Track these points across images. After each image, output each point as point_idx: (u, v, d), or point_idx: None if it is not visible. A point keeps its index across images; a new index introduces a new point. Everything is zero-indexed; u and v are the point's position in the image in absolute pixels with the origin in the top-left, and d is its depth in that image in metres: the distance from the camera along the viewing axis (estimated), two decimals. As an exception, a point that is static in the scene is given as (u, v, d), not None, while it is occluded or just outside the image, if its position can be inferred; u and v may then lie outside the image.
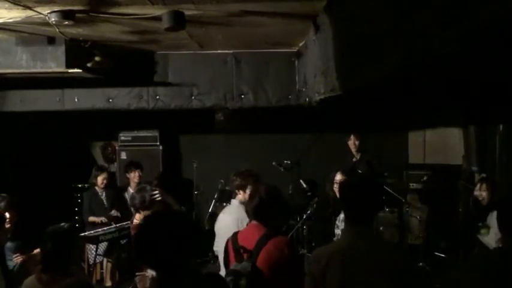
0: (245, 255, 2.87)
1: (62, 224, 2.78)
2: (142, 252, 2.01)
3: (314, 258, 2.42)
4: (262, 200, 2.99)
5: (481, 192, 4.65)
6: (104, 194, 6.05)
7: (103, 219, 5.71)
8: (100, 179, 6.01)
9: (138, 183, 6.18)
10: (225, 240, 3.07)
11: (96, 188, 6.04)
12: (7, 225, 3.82)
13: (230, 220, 3.64)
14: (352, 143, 5.82)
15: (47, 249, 2.68)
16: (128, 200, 6.21)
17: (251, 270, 2.68)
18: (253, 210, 3.01)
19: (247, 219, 3.19)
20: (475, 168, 5.59)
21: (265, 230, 2.93)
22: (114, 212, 5.83)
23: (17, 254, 3.97)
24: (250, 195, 3.37)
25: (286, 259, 2.82)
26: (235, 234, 3.05)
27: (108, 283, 5.80)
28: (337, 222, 4.31)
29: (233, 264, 2.83)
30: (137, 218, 3.94)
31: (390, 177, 6.23)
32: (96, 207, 5.96)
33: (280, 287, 2.82)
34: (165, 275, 1.99)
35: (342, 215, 4.18)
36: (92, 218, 5.79)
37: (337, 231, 4.25)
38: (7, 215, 3.95)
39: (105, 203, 6.02)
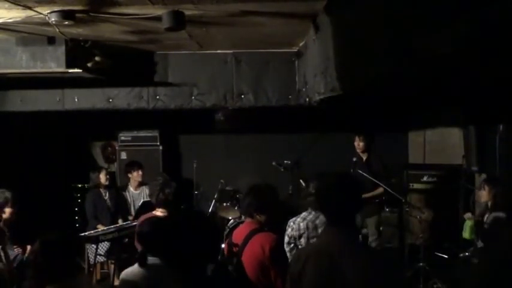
0: (235, 250, 3.02)
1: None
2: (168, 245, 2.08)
3: (294, 258, 2.40)
4: (256, 197, 3.11)
5: (481, 193, 4.66)
6: (107, 195, 6.05)
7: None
8: (103, 176, 6.02)
9: (140, 183, 6.21)
10: None
11: (101, 189, 6.04)
12: (7, 217, 4.12)
13: None
14: (357, 143, 5.79)
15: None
16: (129, 198, 6.25)
17: (236, 263, 2.75)
18: (246, 207, 3.13)
19: None
20: (475, 168, 5.58)
21: (256, 226, 3.05)
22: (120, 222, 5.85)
23: (16, 246, 4.27)
24: None
25: (267, 257, 2.90)
26: (231, 232, 3.14)
27: (117, 282, 5.81)
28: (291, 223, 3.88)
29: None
30: (161, 212, 3.74)
31: (390, 177, 6.22)
32: (100, 208, 5.95)
33: (263, 284, 2.90)
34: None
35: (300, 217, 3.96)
36: (100, 227, 5.74)
37: (286, 238, 3.83)
38: (8, 210, 4.10)
39: (109, 203, 6.02)
